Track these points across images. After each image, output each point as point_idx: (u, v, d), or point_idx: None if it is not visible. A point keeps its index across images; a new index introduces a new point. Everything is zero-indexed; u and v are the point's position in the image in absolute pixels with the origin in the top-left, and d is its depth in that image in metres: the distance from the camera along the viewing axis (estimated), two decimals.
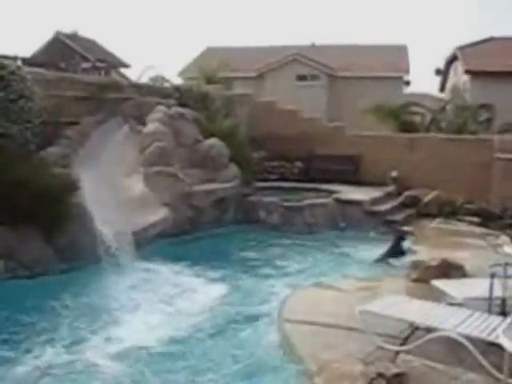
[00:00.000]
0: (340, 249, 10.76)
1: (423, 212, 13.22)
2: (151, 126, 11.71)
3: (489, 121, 17.50)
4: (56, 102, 10.96)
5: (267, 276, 8.91)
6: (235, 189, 12.64)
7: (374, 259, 9.60)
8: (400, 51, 29.74)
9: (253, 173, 13.92)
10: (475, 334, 4.74)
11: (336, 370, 4.77)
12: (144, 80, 15.41)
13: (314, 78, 28.78)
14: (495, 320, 5.03)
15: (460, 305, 5.69)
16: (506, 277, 5.85)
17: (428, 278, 6.99)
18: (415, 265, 7.83)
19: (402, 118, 17.86)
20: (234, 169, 12.91)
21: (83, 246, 8.71)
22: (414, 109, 18.55)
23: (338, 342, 5.55)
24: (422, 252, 9.41)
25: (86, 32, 30.91)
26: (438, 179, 13.93)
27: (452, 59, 25.60)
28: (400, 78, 28.91)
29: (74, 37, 28.74)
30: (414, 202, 13.63)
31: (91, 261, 8.61)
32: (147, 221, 10.03)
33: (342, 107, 25.99)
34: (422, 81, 67.13)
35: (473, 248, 9.86)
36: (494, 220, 12.44)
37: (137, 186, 10.73)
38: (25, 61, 17.28)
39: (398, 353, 5.22)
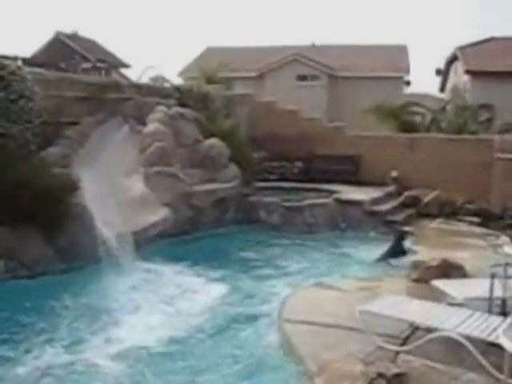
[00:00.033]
0: (340, 249, 10.77)
1: (423, 212, 13.21)
2: (151, 126, 11.71)
3: (489, 121, 17.51)
4: (56, 102, 10.97)
5: (267, 276, 8.91)
6: (235, 189, 12.65)
7: (374, 259, 9.60)
8: (400, 51, 29.75)
9: (253, 173, 13.92)
10: (475, 334, 4.74)
11: (336, 370, 4.76)
12: (144, 80, 15.43)
13: (315, 78, 28.79)
14: (495, 320, 5.03)
15: (460, 305, 5.68)
16: (507, 277, 5.85)
17: (428, 278, 6.99)
18: (415, 265, 7.83)
19: (403, 118, 17.86)
20: (234, 169, 12.91)
21: (83, 246, 8.71)
22: (415, 109, 18.55)
23: (339, 342, 5.55)
24: (423, 252, 9.41)
25: (86, 32, 30.90)
26: (438, 179, 13.92)
27: (452, 59, 25.61)
28: (400, 78, 28.91)
29: (74, 37, 28.74)
30: (414, 202, 13.62)
31: (91, 261, 8.60)
32: (147, 221, 10.03)
33: (343, 107, 25.99)
34: (423, 81, 67.15)
35: (473, 248, 9.86)
36: (494, 220, 12.43)
37: (137, 186, 10.73)
38: (25, 61, 17.31)
39: (398, 353, 5.22)
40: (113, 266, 8.60)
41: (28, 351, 5.87)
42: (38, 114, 9.85)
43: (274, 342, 5.94)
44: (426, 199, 13.44)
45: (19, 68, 10.07)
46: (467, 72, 22.06)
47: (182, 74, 28.68)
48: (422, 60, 61.68)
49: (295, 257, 10.15)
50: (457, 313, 5.27)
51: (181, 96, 14.05)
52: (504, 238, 10.46)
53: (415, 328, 5.56)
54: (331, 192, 13.42)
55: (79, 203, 8.97)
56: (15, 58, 14.75)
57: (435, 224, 12.40)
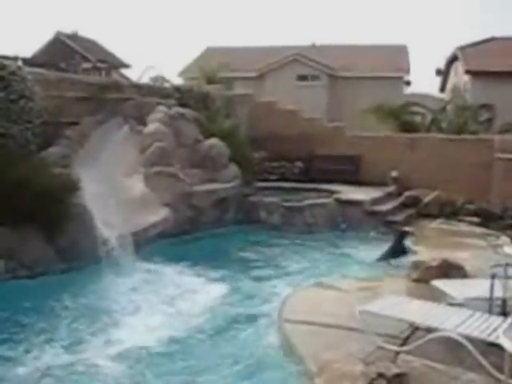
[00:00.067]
0: (340, 249, 10.76)
1: (423, 212, 13.21)
2: (152, 127, 11.71)
3: (489, 121, 17.51)
4: (56, 103, 10.97)
5: (267, 276, 8.90)
6: (236, 189, 12.64)
7: (375, 259, 9.59)
8: (400, 51, 29.75)
9: (253, 173, 13.91)
10: (475, 334, 4.74)
11: (336, 371, 4.76)
12: (144, 80, 15.43)
13: (315, 78, 28.80)
14: (496, 320, 5.02)
15: (460, 305, 5.68)
16: (507, 277, 5.85)
17: (428, 278, 6.98)
18: (416, 265, 7.82)
19: (403, 118, 17.86)
20: (234, 169, 12.91)
21: (83, 246, 8.71)
22: (415, 109, 18.56)
23: (339, 343, 5.54)
24: (423, 252, 9.41)
25: (86, 32, 30.85)
26: (438, 179, 13.92)
27: (452, 59, 25.61)
28: (400, 78, 28.93)
29: (74, 37, 28.74)
30: (414, 203, 13.62)
31: (91, 261, 8.60)
32: (148, 221, 10.02)
33: (343, 107, 25.99)
34: (423, 81, 67.14)
35: (473, 248, 9.85)
36: (494, 220, 12.43)
37: (137, 186, 10.73)
38: (25, 61, 17.33)
39: (398, 353, 5.21)
40: (113, 266, 8.60)
41: (28, 351, 5.87)
42: (38, 114, 9.85)
43: (274, 342, 5.94)
44: (426, 199, 13.44)
45: (19, 68, 10.07)
46: (467, 72, 22.07)
47: (182, 74, 28.69)
48: (422, 60, 61.78)
49: (295, 257, 10.15)
50: (457, 313, 5.27)
51: (181, 96, 14.05)
52: (504, 238, 10.46)
53: (415, 328, 5.56)
54: (331, 192, 13.41)
55: (79, 203, 8.97)
56: (15, 58, 14.77)
57: (435, 224, 12.40)
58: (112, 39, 69.34)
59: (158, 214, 10.35)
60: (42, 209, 8.29)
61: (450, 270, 7.36)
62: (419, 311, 5.39)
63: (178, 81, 22.04)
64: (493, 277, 5.60)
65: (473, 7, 71.68)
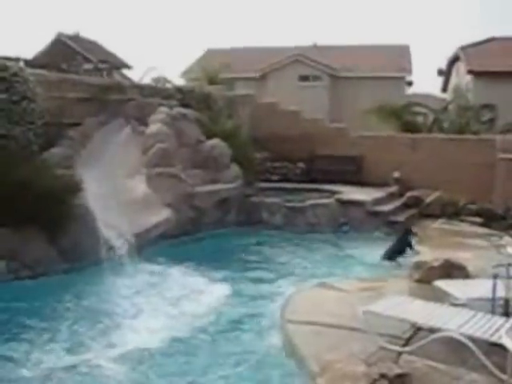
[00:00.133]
0: (342, 249, 10.75)
1: (425, 212, 13.20)
2: (153, 127, 11.72)
3: (491, 121, 17.50)
4: (58, 104, 10.98)
5: (270, 277, 8.89)
6: (237, 189, 12.64)
7: (380, 256, 9.54)
8: (402, 51, 29.75)
9: (255, 173, 13.91)
10: (478, 334, 4.73)
11: (338, 371, 4.76)
12: (146, 81, 15.42)
13: (316, 78, 28.81)
14: (498, 320, 5.02)
15: (463, 305, 5.68)
16: (509, 277, 5.83)
17: (431, 278, 6.97)
18: (418, 265, 7.81)
19: (405, 118, 17.85)
20: (236, 169, 12.91)
21: (86, 246, 8.72)
22: (417, 109, 18.55)
23: (341, 343, 5.54)
24: (425, 252, 9.40)
25: (87, 33, 31.02)
26: (440, 179, 13.91)
27: (454, 59, 25.60)
28: (402, 78, 28.93)
29: (75, 38, 28.80)
30: (416, 203, 13.61)
31: (93, 262, 8.61)
32: (150, 222, 10.03)
33: (344, 108, 26.00)
34: (425, 81, 67.21)
35: (475, 248, 9.84)
36: (496, 220, 12.42)
37: (139, 187, 10.73)
38: (27, 62, 17.29)
39: (400, 353, 5.21)
40: (115, 266, 8.61)
41: (30, 352, 5.86)
42: (40, 115, 9.87)
43: (277, 343, 5.94)
44: (428, 199, 13.43)
45: (21, 69, 10.08)
46: (469, 72, 22.06)
47: (184, 74, 28.72)
48: (424, 60, 61.82)
49: (297, 257, 10.15)
50: (459, 313, 5.26)
51: (183, 97, 14.06)
52: (507, 239, 10.43)
53: (418, 328, 5.55)
54: (333, 192, 13.41)
55: (81, 204, 8.97)
56: (17, 60, 14.74)
57: (437, 224, 12.39)
58: (113, 40, 69.44)
59: (160, 215, 10.35)
60: (44, 210, 8.29)
61: (452, 271, 7.34)
62: (422, 311, 5.39)
63: (179, 82, 22.06)
64: (495, 277, 5.59)
65: (474, 7, 71.71)
